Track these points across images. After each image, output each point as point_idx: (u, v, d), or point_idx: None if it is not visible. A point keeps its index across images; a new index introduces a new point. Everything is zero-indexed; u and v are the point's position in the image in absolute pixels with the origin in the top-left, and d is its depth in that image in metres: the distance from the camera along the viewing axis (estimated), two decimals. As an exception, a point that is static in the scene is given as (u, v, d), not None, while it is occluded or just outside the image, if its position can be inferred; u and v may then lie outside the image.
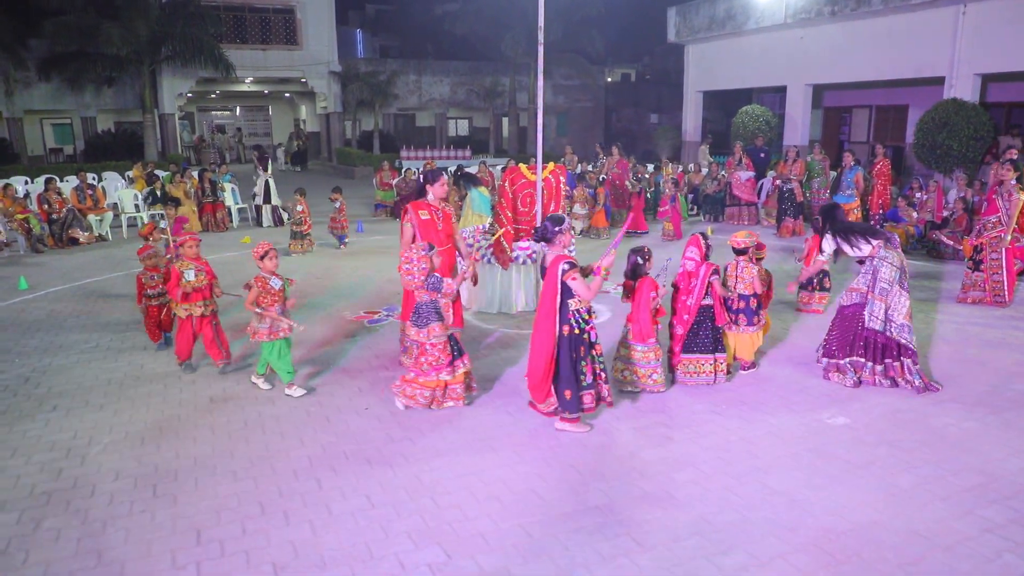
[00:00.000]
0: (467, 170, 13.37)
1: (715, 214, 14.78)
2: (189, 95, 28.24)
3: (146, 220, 13.85)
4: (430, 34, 34.59)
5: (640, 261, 5.61)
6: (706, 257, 5.84)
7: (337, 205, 12.18)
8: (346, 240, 12.33)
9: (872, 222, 12.49)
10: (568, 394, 4.89)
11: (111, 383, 6.05)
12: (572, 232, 10.16)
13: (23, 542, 3.80)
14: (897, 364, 5.74)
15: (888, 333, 5.70)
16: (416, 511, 4.06)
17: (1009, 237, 8.01)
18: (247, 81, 28.66)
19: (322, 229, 12.71)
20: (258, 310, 5.57)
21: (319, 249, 12.04)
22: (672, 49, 27.27)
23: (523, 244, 8.03)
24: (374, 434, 5.04)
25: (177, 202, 13.23)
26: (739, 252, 6.05)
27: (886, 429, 5.04)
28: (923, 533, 3.80)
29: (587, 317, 4.90)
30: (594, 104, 35.20)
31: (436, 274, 5.28)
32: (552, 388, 4.95)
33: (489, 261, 7.99)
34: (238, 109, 35.15)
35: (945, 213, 11.56)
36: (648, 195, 14.74)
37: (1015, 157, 8.22)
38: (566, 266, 4.72)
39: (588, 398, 4.94)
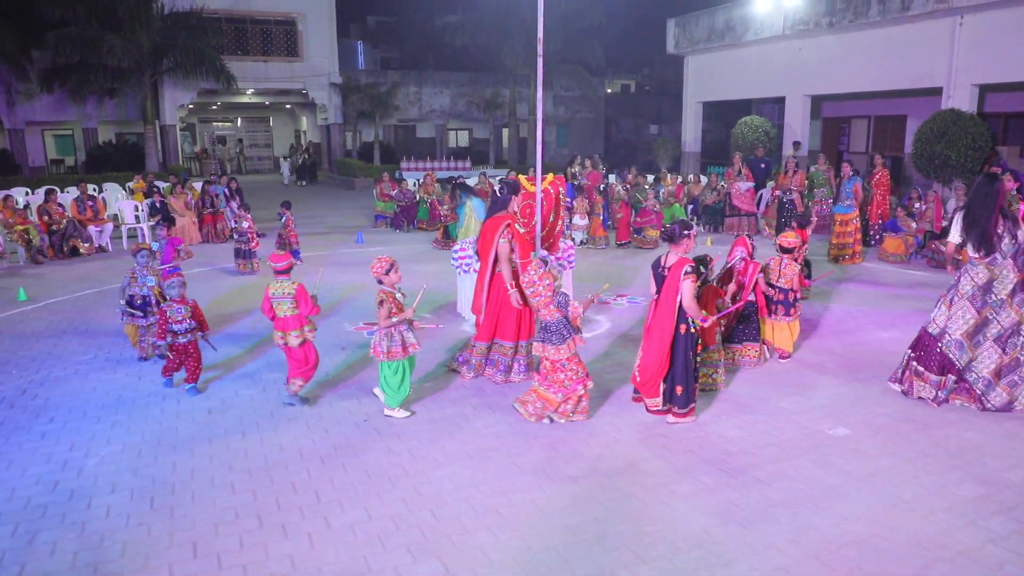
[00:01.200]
0: (462, 181, 13.51)
1: (714, 224, 14.78)
2: (190, 106, 28.32)
3: (147, 232, 13.86)
4: (430, 45, 34.72)
5: (702, 270, 5.88)
6: (751, 256, 6.39)
7: (284, 220, 11.62)
8: (300, 255, 11.60)
9: (871, 232, 12.51)
10: (680, 390, 5.19)
11: (109, 395, 6.04)
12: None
13: (18, 555, 3.77)
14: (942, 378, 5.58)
15: (939, 344, 5.58)
16: (415, 524, 4.03)
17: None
18: (248, 92, 28.75)
19: (268, 246, 12.33)
20: (394, 320, 5.27)
21: (311, 258, 12.02)
22: (672, 60, 27.39)
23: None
24: (373, 446, 5.02)
25: (172, 221, 13.09)
26: (786, 251, 6.72)
27: (888, 440, 5.02)
28: (925, 544, 3.78)
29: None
30: (594, 115, 35.30)
31: (563, 292, 5.35)
32: (661, 384, 5.23)
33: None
34: (239, 120, 35.25)
35: (944, 223, 11.55)
36: (659, 206, 14.70)
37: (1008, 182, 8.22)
38: (688, 269, 4.99)
39: (695, 393, 5.35)
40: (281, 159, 32.10)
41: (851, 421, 5.35)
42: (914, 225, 11.82)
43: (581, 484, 4.45)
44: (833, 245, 11.44)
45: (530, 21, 22.57)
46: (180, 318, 5.91)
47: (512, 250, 6.02)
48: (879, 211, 12.62)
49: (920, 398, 5.68)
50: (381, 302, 5.26)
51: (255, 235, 11.30)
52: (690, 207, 15.49)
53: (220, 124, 35.22)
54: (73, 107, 24.59)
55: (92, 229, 13.12)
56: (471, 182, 16.89)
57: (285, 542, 3.87)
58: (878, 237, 12.33)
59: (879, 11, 16.62)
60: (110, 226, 13.69)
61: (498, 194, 6.42)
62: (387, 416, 5.50)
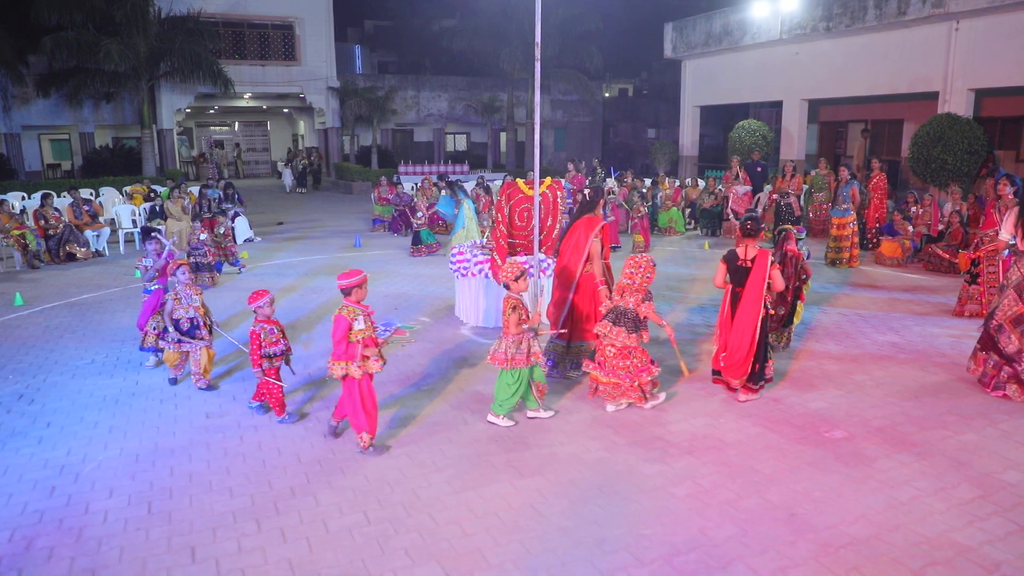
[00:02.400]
0: (457, 181, 13.62)
1: (712, 228, 14.81)
2: (188, 111, 28.36)
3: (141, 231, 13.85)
4: (428, 50, 34.81)
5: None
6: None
7: (222, 231, 11.40)
8: (242, 264, 11.55)
9: (868, 236, 12.54)
10: (758, 367, 5.69)
11: (106, 400, 6.03)
12: None
13: (15, 561, 3.76)
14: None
15: (987, 324, 5.90)
16: (414, 527, 4.03)
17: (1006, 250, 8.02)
18: (246, 97, 28.78)
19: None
20: (524, 327, 5.17)
21: (309, 263, 12.03)
22: (669, 64, 27.48)
23: (520, 259, 8.01)
24: (372, 450, 5.01)
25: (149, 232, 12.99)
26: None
27: (885, 442, 5.03)
28: (923, 546, 3.78)
29: None
30: (592, 119, 35.39)
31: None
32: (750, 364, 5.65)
33: (486, 276, 7.99)
34: (237, 124, 35.25)
35: (940, 227, 11.60)
36: (645, 209, 14.75)
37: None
38: (773, 259, 5.62)
39: (769, 370, 5.84)
40: (281, 166, 31.89)
41: (848, 423, 5.36)
42: (911, 229, 11.85)
43: (579, 487, 4.45)
44: (830, 248, 11.46)
45: (528, 25, 22.66)
46: (275, 339, 5.42)
47: (601, 248, 6.27)
48: (876, 215, 12.66)
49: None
50: (514, 307, 5.13)
51: (212, 248, 10.72)
52: (688, 211, 15.53)
53: (217, 128, 35.22)
54: (70, 111, 24.59)
55: (89, 234, 13.11)
56: (468, 186, 16.95)
57: (284, 546, 3.87)
58: (875, 241, 12.36)
59: (876, 16, 16.70)
60: (107, 230, 13.68)
61: (585, 196, 6.62)
62: (490, 423, 5.37)
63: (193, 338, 6.07)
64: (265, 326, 5.36)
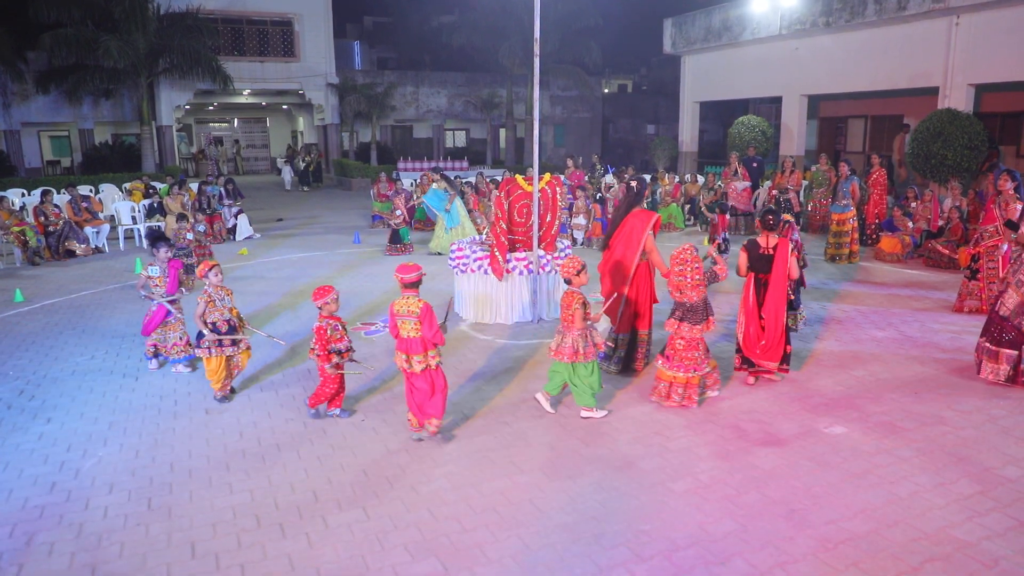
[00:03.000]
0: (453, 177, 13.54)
1: (711, 224, 14.78)
2: (187, 107, 28.29)
3: (142, 231, 13.86)
4: (427, 46, 34.71)
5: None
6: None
7: (202, 229, 10.90)
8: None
9: (868, 232, 12.53)
10: (789, 349, 6.04)
11: (106, 395, 6.03)
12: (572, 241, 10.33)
13: (16, 556, 3.77)
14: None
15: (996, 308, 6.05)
16: (413, 523, 4.04)
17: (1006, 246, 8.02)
18: (245, 93, 28.72)
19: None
20: (589, 323, 5.28)
21: (309, 259, 12.02)
22: (669, 60, 27.44)
23: (519, 255, 8.03)
24: (371, 446, 5.02)
25: (165, 239, 12.72)
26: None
27: (883, 438, 5.04)
28: (922, 541, 3.79)
29: None
30: (591, 115, 35.34)
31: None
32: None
33: (485, 272, 7.99)
34: (236, 121, 35.20)
35: (940, 222, 11.59)
36: (645, 205, 14.76)
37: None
38: (792, 247, 5.94)
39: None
40: (281, 163, 31.64)
41: (848, 419, 5.36)
42: (911, 225, 11.85)
43: (578, 483, 4.46)
44: (830, 244, 11.46)
45: (527, 21, 22.60)
46: (339, 335, 5.32)
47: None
48: (876, 210, 12.64)
49: (989, 380, 5.99)
50: (583, 303, 5.20)
51: (201, 247, 10.32)
52: (687, 207, 15.51)
53: (217, 125, 35.18)
54: (69, 108, 24.56)
55: (88, 230, 13.10)
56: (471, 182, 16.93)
57: (283, 541, 3.88)
58: (875, 237, 12.35)
59: (876, 11, 16.66)
60: (106, 227, 13.67)
61: (633, 188, 6.61)
62: (584, 418, 5.39)
63: (234, 343, 5.79)
64: (330, 322, 5.28)
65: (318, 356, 5.28)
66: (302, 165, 26.83)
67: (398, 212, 12.83)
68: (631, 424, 5.32)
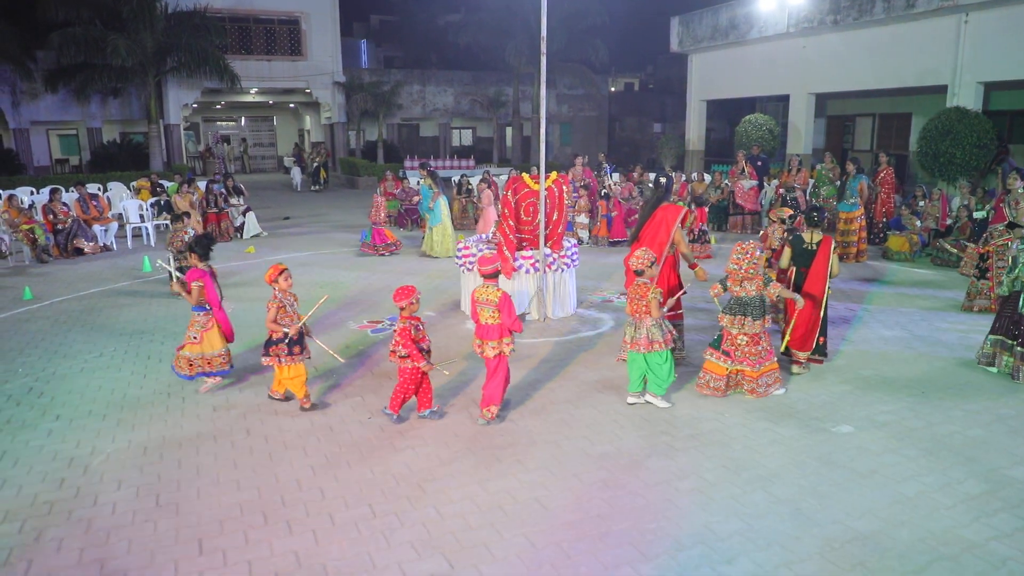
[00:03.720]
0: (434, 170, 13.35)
1: (719, 223, 14.77)
2: (194, 106, 28.39)
3: (151, 231, 13.91)
4: (434, 44, 34.77)
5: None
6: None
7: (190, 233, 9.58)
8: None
9: (876, 230, 12.48)
10: (823, 340, 6.32)
11: (114, 393, 6.06)
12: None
13: (25, 552, 3.80)
14: None
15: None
16: (419, 520, 4.05)
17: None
18: (252, 92, 28.81)
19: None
20: (661, 312, 5.50)
21: (316, 258, 12.05)
22: (675, 58, 27.36)
23: (526, 253, 8.03)
24: (377, 444, 5.04)
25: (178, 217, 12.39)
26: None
27: (891, 437, 5.02)
28: (928, 542, 3.78)
29: None
30: (598, 113, 35.29)
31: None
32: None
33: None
34: (243, 119, 35.32)
35: (948, 221, 11.53)
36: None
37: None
38: (834, 245, 6.20)
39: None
40: (289, 162, 31.44)
41: (855, 418, 5.35)
42: (918, 223, 11.80)
43: (583, 481, 4.46)
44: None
45: (533, 20, 22.60)
46: (422, 335, 5.28)
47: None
48: (884, 209, 12.59)
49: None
50: (660, 294, 5.44)
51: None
52: (694, 205, 15.46)
53: (224, 123, 35.30)
54: (77, 107, 24.68)
55: (97, 228, 13.17)
56: (474, 180, 16.93)
57: (290, 538, 3.89)
58: (882, 235, 12.30)
59: (884, 9, 16.58)
60: (115, 225, 13.73)
61: (662, 183, 6.82)
62: (648, 402, 5.61)
63: (303, 351, 5.56)
64: (412, 322, 5.23)
65: (404, 357, 5.18)
66: (313, 165, 25.64)
67: (381, 214, 12.40)
68: (637, 423, 5.32)
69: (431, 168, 13.19)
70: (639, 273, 5.47)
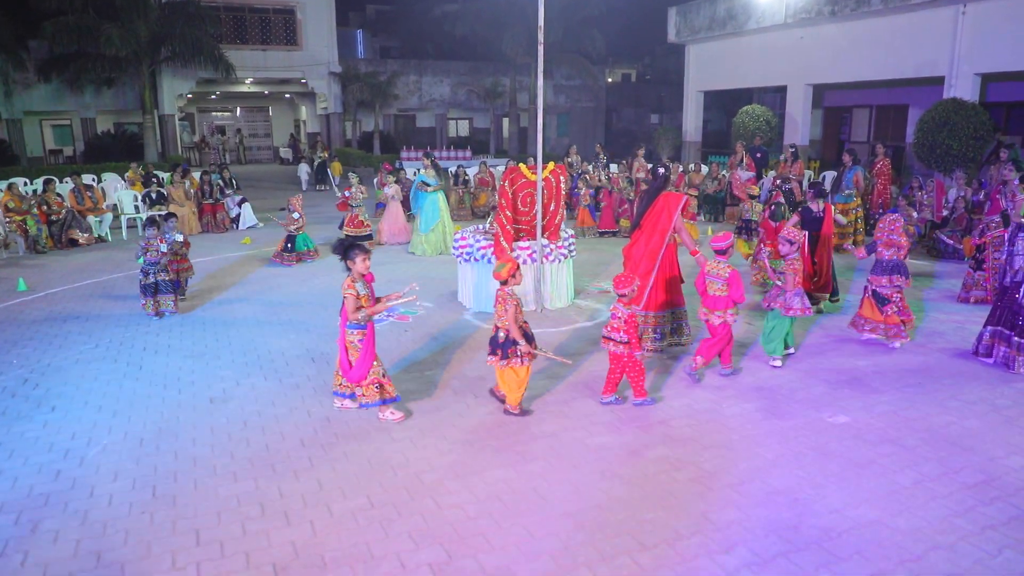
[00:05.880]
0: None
1: (715, 214, 14.76)
2: (189, 96, 28.27)
3: (144, 219, 13.83)
4: (430, 35, 34.60)
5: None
6: None
7: (180, 238, 8.46)
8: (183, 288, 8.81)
9: (872, 222, 12.48)
10: (835, 284, 7.77)
11: (110, 384, 6.04)
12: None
13: (21, 543, 3.78)
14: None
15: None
16: (417, 511, 4.04)
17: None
18: (247, 82, 28.65)
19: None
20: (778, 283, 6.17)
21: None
22: (673, 49, 27.29)
23: (523, 244, 8.01)
24: (375, 435, 5.03)
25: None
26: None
27: (887, 427, 5.03)
28: (925, 531, 3.79)
29: None
30: (595, 104, 35.22)
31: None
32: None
33: (489, 261, 7.97)
34: (238, 110, 35.16)
35: (945, 212, 11.54)
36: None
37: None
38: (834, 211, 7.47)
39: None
40: (285, 151, 31.11)
41: (851, 408, 5.36)
42: (915, 214, 11.79)
43: (582, 471, 4.46)
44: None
45: (530, 10, 22.46)
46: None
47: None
48: (880, 200, 12.59)
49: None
50: (795, 270, 6.13)
51: (178, 263, 8.54)
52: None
53: (219, 114, 35.14)
54: (71, 97, 24.53)
55: (91, 219, 13.10)
56: (472, 171, 16.89)
57: (288, 529, 3.89)
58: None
59: (881, 0, 16.54)
60: (109, 216, 13.67)
61: (660, 173, 6.97)
62: (774, 367, 6.19)
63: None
64: (634, 307, 5.36)
65: (628, 344, 5.22)
66: (318, 160, 22.70)
67: (295, 215, 10.61)
68: (635, 413, 5.32)
69: (435, 158, 12.62)
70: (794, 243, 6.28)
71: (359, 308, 5.03)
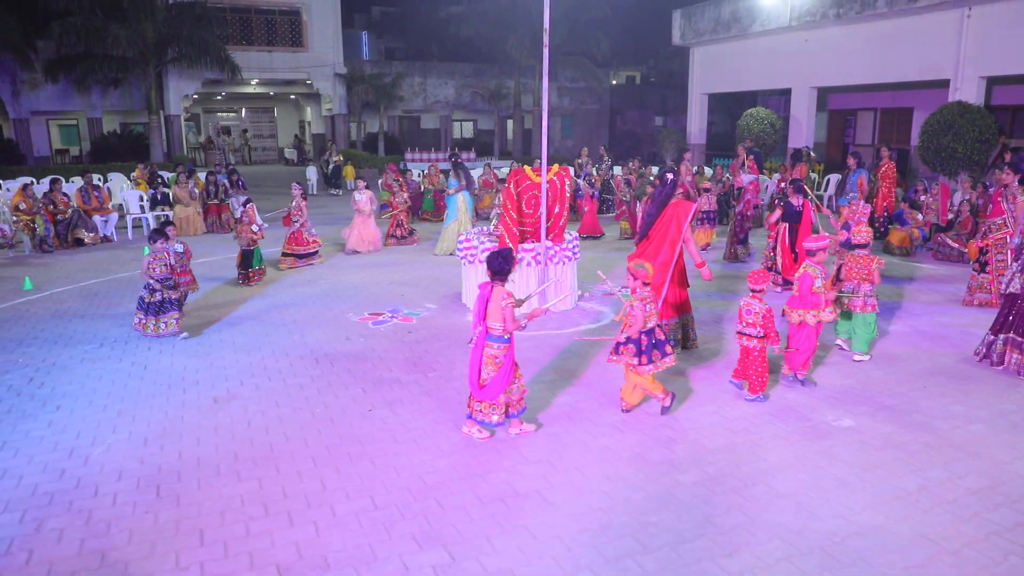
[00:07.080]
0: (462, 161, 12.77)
1: (720, 216, 14.70)
2: (195, 96, 28.35)
3: (151, 221, 13.88)
4: (435, 36, 34.68)
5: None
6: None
7: (181, 248, 8.05)
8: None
9: (877, 225, 12.46)
10: None
11: (115, 383, 6.06)
12: None
13: (26, 542, 3.80)
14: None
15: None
16: (420, 512, 4.05)
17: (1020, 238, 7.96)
18: (253, 83, 28.76)
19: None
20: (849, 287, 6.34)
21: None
22: (677, 52, 27.29)
23: (528, 246, 8.01)
24: (379, 436, 5.03)
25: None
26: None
27: (892, 432, 5.02)
28: (929, 536, 3.78)
29: None
30: (599, 106, 35.23)
31: None
32: None
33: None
34: (244, 111, 35.26)
35: (950, 215, 11.51)
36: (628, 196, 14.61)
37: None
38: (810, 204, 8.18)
39: None
40: (291, 153, 31.01)
41: (856, 412, 5.34)
42: (920, 218, 11.77)
43: (585, 474, 4.46)
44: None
45: (535, 12, 22.50)
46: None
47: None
48: (885, 203, 12.57)
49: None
50: (878, 268, 6.30)
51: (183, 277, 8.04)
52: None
53: (224, 114, 35.24)
54: (78, 97, 24.64)
55: (97, 219, 13.14)
56: (475, 173, 16.89)
57: (291, 530, 3.89)
58: (884, 229, 12.28)
59: (886, 2, 16.53)
60: (115, 216, 13.71)
61: (667, 179, 6.72)
62: (857, 361, 6.41)
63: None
64: (760, 304, 5.40)
65: (765, 338, 5.36)
66: (330, 165, 21.96)
67: (255, 226, 9.49)
68: (639, 416, 5.32)
69: (460, 160, 12.39)
70: (863, 246, 6.31)
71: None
